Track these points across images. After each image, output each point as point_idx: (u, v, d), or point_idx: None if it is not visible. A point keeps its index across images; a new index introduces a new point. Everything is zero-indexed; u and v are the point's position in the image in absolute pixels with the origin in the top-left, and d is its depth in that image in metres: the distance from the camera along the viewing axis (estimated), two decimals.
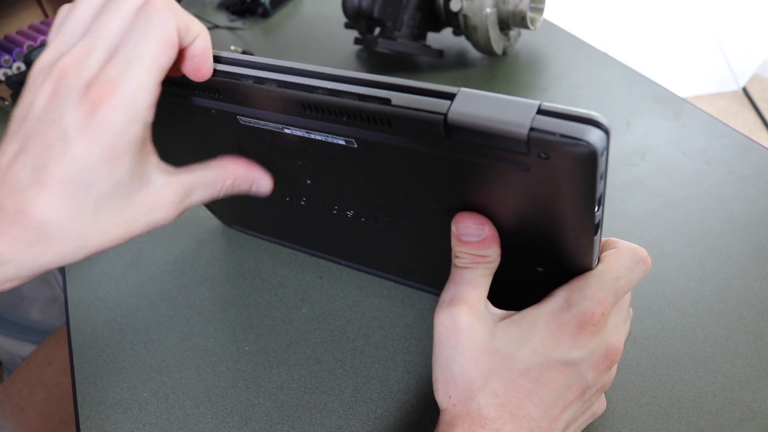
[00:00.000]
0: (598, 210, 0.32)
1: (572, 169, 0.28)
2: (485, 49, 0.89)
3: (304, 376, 0.50)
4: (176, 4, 0.33)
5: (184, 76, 0.36)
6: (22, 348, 1.32)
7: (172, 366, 0.52)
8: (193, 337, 0.54)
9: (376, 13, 0.91)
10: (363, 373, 0.49)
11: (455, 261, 0.38)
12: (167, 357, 0.53)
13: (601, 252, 0.38)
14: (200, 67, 0.35)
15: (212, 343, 0.53)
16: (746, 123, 2.65)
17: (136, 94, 0.31)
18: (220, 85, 0.36)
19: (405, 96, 0.30)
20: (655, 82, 0.85)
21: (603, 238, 0.38)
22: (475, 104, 0.29)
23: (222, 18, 1.24)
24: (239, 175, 0.41)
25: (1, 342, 1.34)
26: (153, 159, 0.35)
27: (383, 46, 0.88)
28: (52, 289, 1.25)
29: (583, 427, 0.40)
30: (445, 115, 0.29)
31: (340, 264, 0.60)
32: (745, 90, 2.78)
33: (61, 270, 0.64)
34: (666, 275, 0.55)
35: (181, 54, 0.34)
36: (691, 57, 2.63)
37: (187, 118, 0.43)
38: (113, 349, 0.54)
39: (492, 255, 0.37)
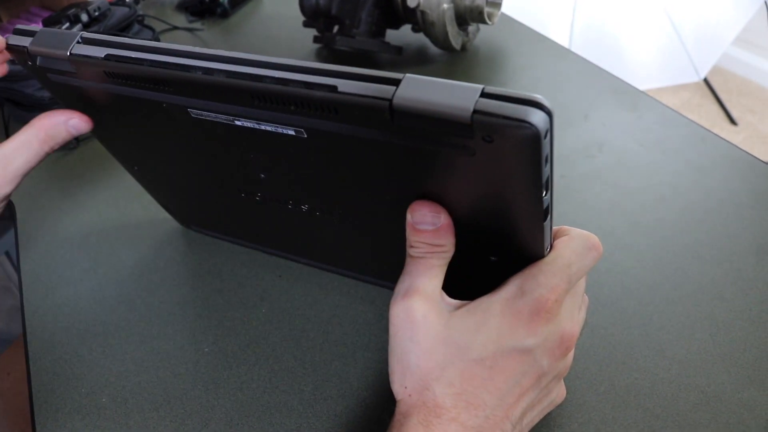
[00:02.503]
0: (546, 194, 0.32)
1: (516, 151, 0.28)
2: (444, 45, 0.90)
3: (263, 375, 0.50)
4: None
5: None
6: None
7: (131, 370, 0.51)
8: (152, 340, 0.54)
9: (333, 11, 0.91)
10: (323, 371, 0.49)
11: (410, 251, 0.38)
12: (126, 361, 0.52)
13: (553, 240, 0.38)
14: None
15: (171, 346, 0.53)
16: (710, 115, 2.69)
17: None
18: (169, 77, 0.36)
19: (351, 83, 0.30)
20: (613, 75, 0.86)
21: (555, 227, 0.39)
22: (420, 89, 0.29)
23: (181, 19, 1.23)
24: (48, 125, 0.45)
25: None
26: None
27: (342, 44, 0.88)
28: (15, 299, 1.23)
29: (542, 415, 0.40)
30: (390, 100, 0.29)
31: (299, 262, 0.59)
32: (706, 81, 2.82)
33: (18, 276, 0.63)
34: (623, 264, 0.55)
35: None
36: (653, 50, 2.66)
37: (140, 113, 0.43)
38: (71, 356, 0.53)
39: (447, 244, 0.37)
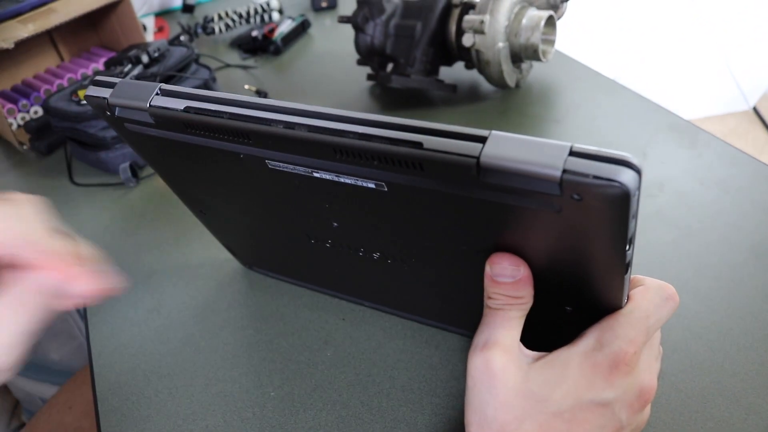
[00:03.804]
0: (629, 249, 0.32)
1: (605, 209, 0.28)
2: (498, 82, 0.90)
3: (331, 421, 0.50)
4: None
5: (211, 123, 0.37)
6: (40, 388, 1.32)
7: (198, 413, 0.52)
8: (218, 383, 0.54)
9: (388, 50, 0.91)
10: (390, 417, 0.49)
11: (489, 302, 0.38)
12: (193, 404, 0.53)
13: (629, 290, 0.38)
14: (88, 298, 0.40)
15: (237, 389, 0.53)
16: (757, 142, 2.64)
17: None
18: (250, 130, 0.37)
19: (437, 139, 0.31)
20: (669, 111, 0.85)
21: None
22: (507, 147, 0.29)
23: (234, 56, 1.25)
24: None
25: (19, 382, 1.34)
26: None
27: (397, 83, 0.89)
28: (70, 329, 1.25)
29: None
30: (478, 157, 0.29)
31: (363, 305, 0.60)
32: (755, 109, 2.77)
33: (83, 317, 0.64)
34: (690, 309, 0.54)
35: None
36: (700, 79, 2.64)
37: (216, 162, 0.44)
38: (138, 397, 0.54)
39: (526, 296, 0.37)
